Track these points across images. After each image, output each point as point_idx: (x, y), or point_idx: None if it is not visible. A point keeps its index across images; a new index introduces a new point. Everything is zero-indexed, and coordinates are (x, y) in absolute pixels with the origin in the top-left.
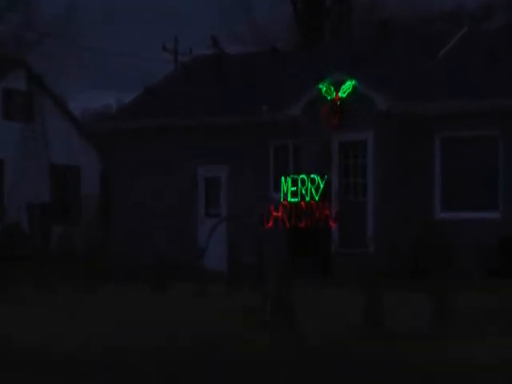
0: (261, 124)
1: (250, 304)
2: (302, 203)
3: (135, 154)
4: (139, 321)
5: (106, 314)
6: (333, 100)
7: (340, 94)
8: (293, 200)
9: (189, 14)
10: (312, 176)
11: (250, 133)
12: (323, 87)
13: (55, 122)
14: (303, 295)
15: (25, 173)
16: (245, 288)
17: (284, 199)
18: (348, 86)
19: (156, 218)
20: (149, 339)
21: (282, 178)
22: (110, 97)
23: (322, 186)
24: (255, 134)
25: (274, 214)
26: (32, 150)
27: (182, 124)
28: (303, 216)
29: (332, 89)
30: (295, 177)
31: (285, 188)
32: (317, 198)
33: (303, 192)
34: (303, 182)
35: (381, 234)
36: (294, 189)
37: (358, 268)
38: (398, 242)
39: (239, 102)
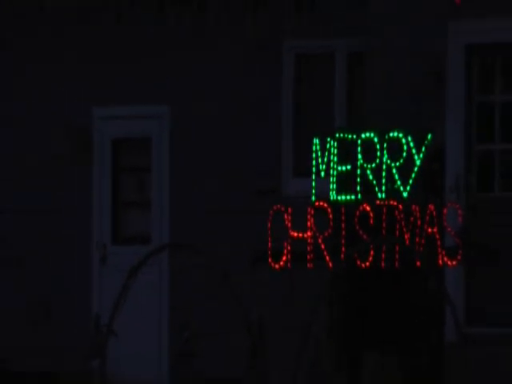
0: None
1: None
2: (366, 206)
3: None
4: None
5: None
6: None
7: None
8: (342, 198)
9: None
10: (393, 135)
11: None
12: None
13: None
14: None
15: None
16: None
17: (319, 197)
18: None
19: None
20: None
21: (315, 141)
22: None
23: (418, 161)
24: (239, 20)
25: (294, 234)
26: None
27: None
28: (370, 241)
29: None
30: (349, 137)
31: (322, 166)
32: (405, 194)
33: (370, 177)
34: (368, 149)
35: None
36: (345, 168)
37: None
38: None
39: None
